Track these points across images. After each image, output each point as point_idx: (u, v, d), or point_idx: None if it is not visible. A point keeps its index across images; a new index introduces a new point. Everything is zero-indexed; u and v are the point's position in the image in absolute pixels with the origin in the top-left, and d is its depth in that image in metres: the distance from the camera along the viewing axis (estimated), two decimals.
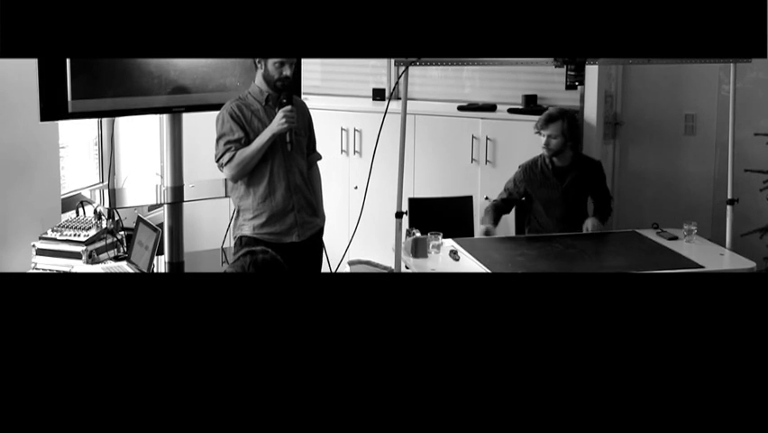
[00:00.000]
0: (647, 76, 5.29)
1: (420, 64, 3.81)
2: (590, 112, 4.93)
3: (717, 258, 3.85)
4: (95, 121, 4.95)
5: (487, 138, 4.74)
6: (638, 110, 5.37)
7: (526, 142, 4.50)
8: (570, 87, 4.76)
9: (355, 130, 4.93)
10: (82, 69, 3.80)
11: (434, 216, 4.34)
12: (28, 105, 3.77)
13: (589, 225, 4.17)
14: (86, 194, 4.47)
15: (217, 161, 3.65)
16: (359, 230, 4.12)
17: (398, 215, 3.67)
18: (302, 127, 3.72)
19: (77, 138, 4.92)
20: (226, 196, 4.48)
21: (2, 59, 3.22)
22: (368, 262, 4.52)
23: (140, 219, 3.92)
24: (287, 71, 3.57)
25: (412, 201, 4.58)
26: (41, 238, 3.83)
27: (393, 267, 3.80)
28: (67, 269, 3.73)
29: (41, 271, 3.76)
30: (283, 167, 3.63)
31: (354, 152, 4.94)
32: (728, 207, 4.12)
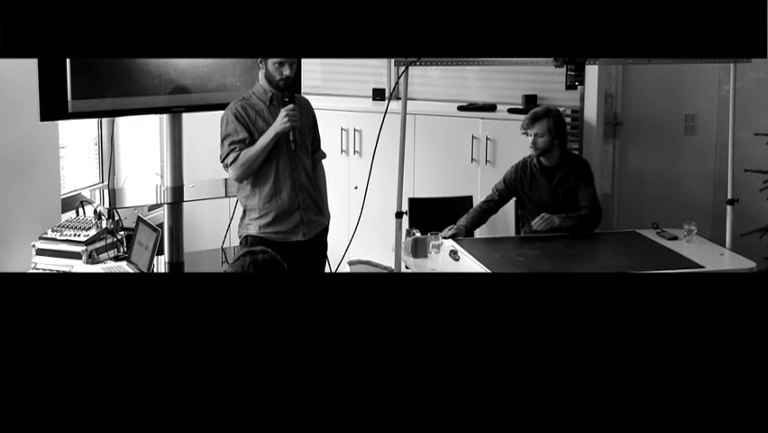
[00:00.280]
0: (647, 76, 5.29)
1: (420, 64, 3.81)
2: (590, 112, 4.93)
3: (717, 258, 3.85)
4: (95, 121, 4.95)
5: (487, 138, 4.74)
6: (638, 110, 5.37)
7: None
8: (570, 87, 4.76)
9: (355, 130, 4.93)
10: (82, 69, 3.80)
11: (434, 216, 4.34)
12: (28, 106, 3.77)
13: (538, 220, 4.02)
14: (86, 194, 4.47)
15: (222, 162, 3.65)
16: (359, 230, 4.12)
17: (398, 215, 3.67)
18: (306, 126, 3.72)
19: (77, 138, 4.92)
20: (226, 196, 4.48)
21: (2, 59, 3.22)
22: (368, 262, 4.51)
23: (140, 219, 3.92)
24: (286, 71, 3.57)
25: (412, 201, 4.59)
26: (41, 238, 3.83)
27: (393, 267, 3.80)
28: (67, 269, 3.73)
29: (41, 271, 3.76)
30: (288, 166, 3.63)
31: (354, 151, 4.94)
32: (728, 207, 4.12)
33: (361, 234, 4.18)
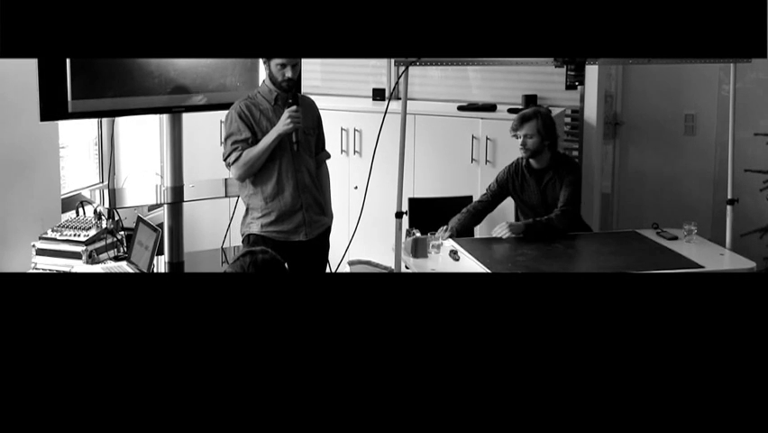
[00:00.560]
0: (647, 76, 5.29)
1: (420, 64, 3.81)
2: (590, 112, 4.93)
3: (717, 258, 3.85)
4: (95, 121, 4.96)
5: (487, 138, 4.74)
6: (638, 110, 5.37)
7: None
8: (570, 87, 4.75)
9: (355, 130, 4.93)
10: (82, 69, 3.80)
11: (434, 216, 4.34)
12: (28, 106, 3.77)
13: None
14: (86, 194, 4.47)
15: (224, 160, 3.66)
16: (359, 230, 4.12)
17: (398, 215, 3.67)
18: (310, 126, 3.72)
19: (77, 138, 4.93)
20: (226, 196, 4.49)
21: (2, 59, 3.22)
22: (368, 262, 4.51)
23: (140, 219, 3.92)
24: (288, 73, 3.57)
25: (412, 201, 4.58)
26: (41, 238, 3.83)
27: (393, 267, 3.80)
28: (67, 269, 3.73)
29: (41, 271, 3.76)
30: (291, 166, 3.64)
31: (354, 151, 4.94)
32: (728, 207, 4.12)
33: (361, 234, 4.18)
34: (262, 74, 3.78)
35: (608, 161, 5.45)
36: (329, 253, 3.87)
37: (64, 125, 4.48)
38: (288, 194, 3.64)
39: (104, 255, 3.86)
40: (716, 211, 4.98)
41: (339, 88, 5.40)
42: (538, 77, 4.99)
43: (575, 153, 5.00)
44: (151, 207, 4.90)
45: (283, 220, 3.65)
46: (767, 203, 4.50)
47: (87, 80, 3.83)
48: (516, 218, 4.43)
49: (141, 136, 5.26)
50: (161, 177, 4.93)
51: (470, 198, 4.61)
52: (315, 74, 5.36)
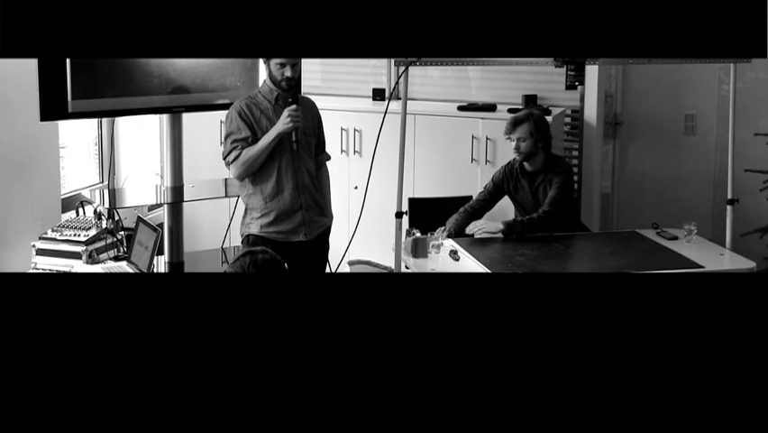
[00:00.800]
0: (647, 76, 5.29)
1: (420, 64, 3.81)
2: (590, 112, 4.93)
3: (717, 258, 3.85)
4: (95, 121, 4.96)
5: (487, 138, 4.74)
6: (638, 110, 5.37)
7: None
8: (570, 87, 4.76)
9: (355, 130, 4.93)
10: (82, 69, 3.80)
11: (434, 216, 4.33)
12: (28, 106, 3.77)
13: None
14: (86, 194, 4.48)
15: (224, 159, 3.66)
16: (359, 230, 4.12)
17: (398, 215, 3.66)
18: (310, 127, 3.72)
19: (77, 138, 4.93)
20: (226, 196, 4.49)
21: (2, 59, 3.22)
22: (368, 262, 4.52)
23: (140, 219, 3.92)
24: (288, 72, 3.57)
25: (412, 201, 4.58)
26: (41, 238, 3.83)
27: (393, 267, 3.80)
28: (67, 269, 3.73)
29: (41, 271, 3.76)
30: (291, 166, 3.64)
31: (354, 151, 4.94)
32: (728, 207, 4.12)
33: (360, 234, 4.18)
34: (262, 74, 3.78)
35: (607, 162, 5.45)
36: (329, 253, 3.87)
37: (64, 125, 4.48)
38: (287, 194, 3.64)
39: (104, 255, 3.87)
40: (716, 211, 4.98)
41: (339, 88, 5.40)
42: (538, 77, 4.99)
43: (575, 153, 5.01)
44: (151, 207, 4.90)
45: (282, 220, 3.65)
46: (767, 203, 4.50)
47: (87, 80, 3.83)
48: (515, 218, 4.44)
49: (141, 136, 5.26)
50: (161, 177, 4.93)
51: (470, 198, 4.60)
52: (315, 74, 5.36)
